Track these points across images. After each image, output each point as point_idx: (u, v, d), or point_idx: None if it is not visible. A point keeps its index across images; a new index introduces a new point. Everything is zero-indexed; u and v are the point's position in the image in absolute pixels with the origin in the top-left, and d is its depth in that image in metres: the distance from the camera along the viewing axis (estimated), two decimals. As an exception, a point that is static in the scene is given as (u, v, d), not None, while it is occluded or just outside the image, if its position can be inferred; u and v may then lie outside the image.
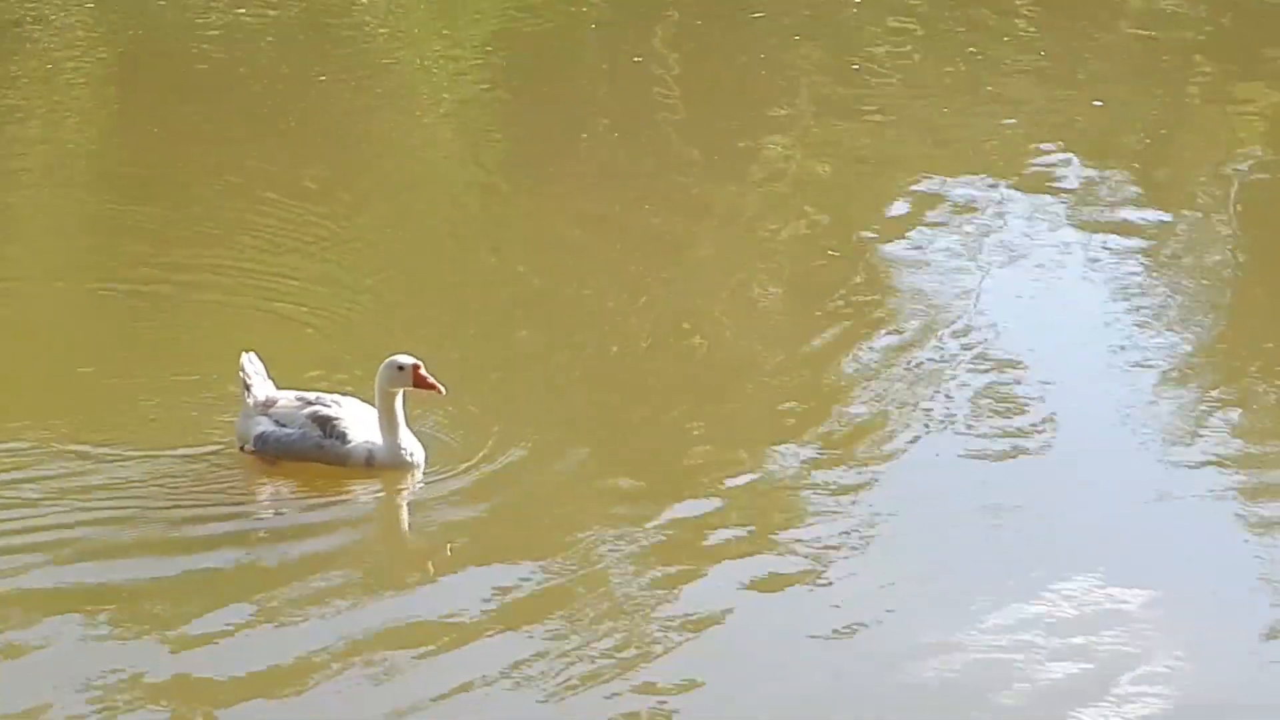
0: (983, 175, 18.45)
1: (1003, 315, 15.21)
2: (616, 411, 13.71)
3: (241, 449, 12.87)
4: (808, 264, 16.53)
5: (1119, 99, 20.83)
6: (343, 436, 12.71)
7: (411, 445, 12.67)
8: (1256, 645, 10.76)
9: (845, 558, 11.67)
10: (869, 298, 15.61)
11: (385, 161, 18.81)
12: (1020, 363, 14.30)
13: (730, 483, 12.55)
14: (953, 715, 10.19)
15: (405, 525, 12.56)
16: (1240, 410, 13.72)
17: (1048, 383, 13.96)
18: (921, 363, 14.31)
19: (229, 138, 19.08)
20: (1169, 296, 15.84)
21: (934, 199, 17.82)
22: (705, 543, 11.84)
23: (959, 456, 12.97)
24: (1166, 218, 17.67)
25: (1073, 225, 17.36)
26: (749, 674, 10.53)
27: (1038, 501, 12.35)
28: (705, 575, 11.49)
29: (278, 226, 16.57)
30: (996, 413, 13.53)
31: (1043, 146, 19.36)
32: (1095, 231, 17.16)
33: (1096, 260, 16.54)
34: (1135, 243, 16.93)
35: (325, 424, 12.74)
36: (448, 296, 15.53)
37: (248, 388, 12.90)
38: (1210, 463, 12.85)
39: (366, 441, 12.69)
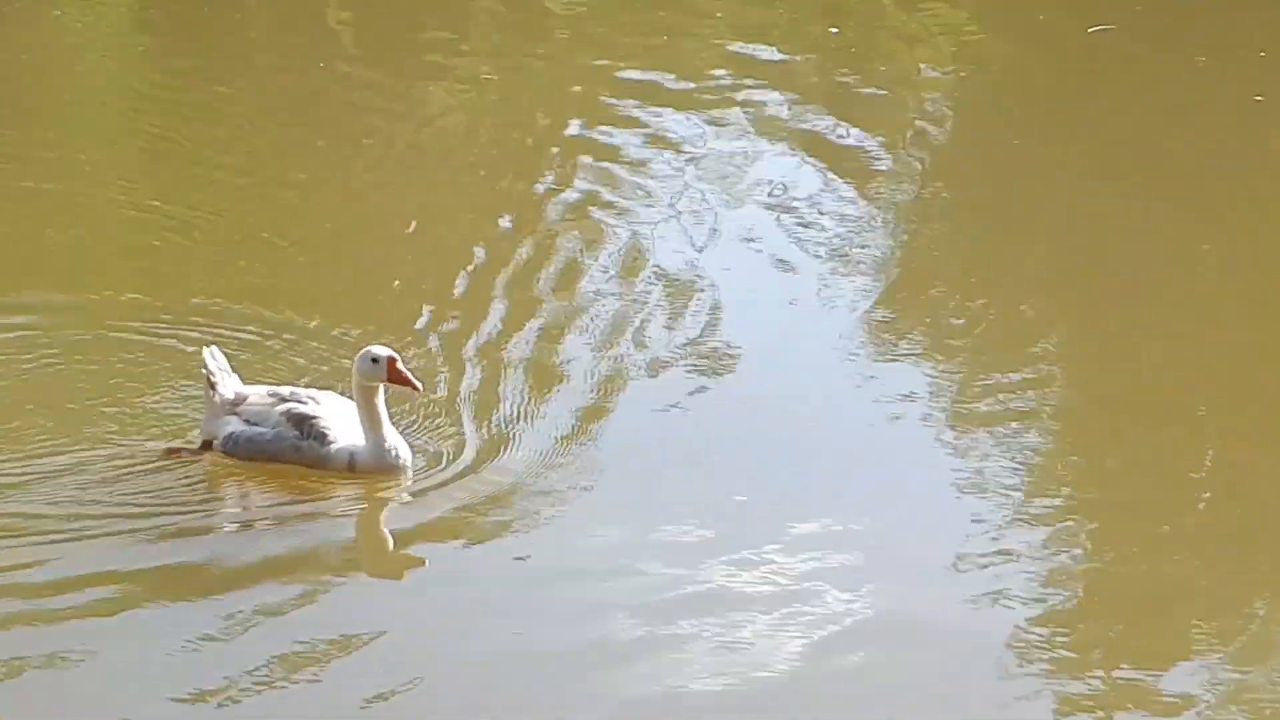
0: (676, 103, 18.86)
1: (693, 252, 15.21)
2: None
3: (205, 446, 11.77)
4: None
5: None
6: (322, 437, 11.62)
7: (397, 445, 11.58)
8: (950, 568, 10.91)
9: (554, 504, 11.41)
10: (559, 230, 15.62)
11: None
12: (714, 301, 14.16)
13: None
14: (664, 646, 10.04)
15: (387, 535, 11.44)
16: (932, 340, 13.82)
17: (742, 319, 13.92)
18: (612, 305, 14.11)
19: None
20: (862, 230, 15.90)
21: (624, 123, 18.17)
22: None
23: (657, 397, 12.69)
24: (858, 148, 17.86)
25: (760, 154, 17.67)
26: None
27: (740, 438, 12.21)
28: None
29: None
30: (694, 353, 13.33)
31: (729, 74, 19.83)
32: (788, 157, 17.61)
33: (788, 190, 16.72)
34: (826, 174, 17.14)
35: (302, 423, 11.64)
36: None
37: (212, 385, 11.78)
38: (907, 396, 12.90)
39: (349, 442, 11.61)
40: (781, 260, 15.26)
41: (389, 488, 11.54)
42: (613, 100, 19.10)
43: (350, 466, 11.57)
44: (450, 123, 18.70)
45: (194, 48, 20.89)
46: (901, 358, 13.56)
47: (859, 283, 14.78)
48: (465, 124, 18.71)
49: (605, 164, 17.23)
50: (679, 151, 17.68)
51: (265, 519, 11.41)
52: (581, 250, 15.21)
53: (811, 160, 17.61)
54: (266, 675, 9.72)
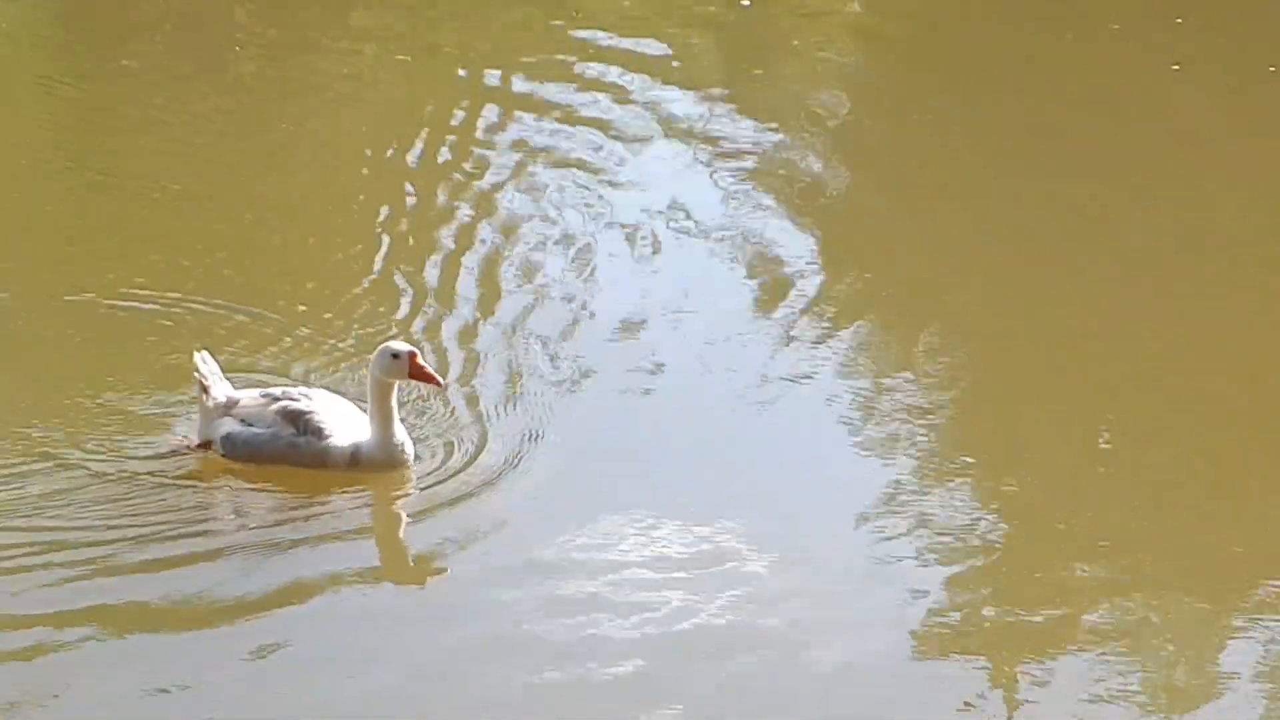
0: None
1: (587, 236, 15.29)
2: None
3: (203, 446, 11.84)
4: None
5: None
6: (319, 432, 11.66)
7: (404, 440, 11.64)
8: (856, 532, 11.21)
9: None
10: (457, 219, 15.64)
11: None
12: (608, 291, 14.29)
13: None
14: (576, 649, 10.05)
15: (399, 530, 11.49)
16: (838, 314, 13.97)
17: (637, 316, 13.87)
18: (501, 293, 14.20)
19: None
20: (762, 207, 16.01)
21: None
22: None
23: (551, 395, 12.66)
24: (759, 136, 17.87)
25: (659, 135, 17.71)
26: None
27: (636, 434, 12.28)
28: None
29: None
30: (580, 344, 13.39)
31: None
32: (686, 138, 17.62)
33: (687, 171, 16.90)
34: (730, 160, 17.12)
35: (297, 420, 11.70)
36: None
37: (205, 389, 11.84)
38: (805, 377, 13.06)
39: (349, 437, 11.68)
40: (678, 243, 15.39)
41: (392, 485, 11.62)
42: (513, 83, 19.18)
43: (354, 462, 11.63)
44: (347, 111, 18.64)
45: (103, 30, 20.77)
46: (804, 336, 13.66)
47: (759, 265, 14.89)
48: (364, 111, 18.71)
49: (504, 150, 17.28)
50: (578, 130, 17.77)
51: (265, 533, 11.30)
52: (475, 233, 15.34)
53: (712, 139, 17.70)
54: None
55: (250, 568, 10.71)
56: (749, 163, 17.08)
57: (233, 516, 11.35)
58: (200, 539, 11.00)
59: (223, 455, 11.74)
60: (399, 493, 11.53)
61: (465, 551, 10.98)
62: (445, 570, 10.90)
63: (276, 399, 11.78)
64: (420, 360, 11.48)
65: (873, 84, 20.17)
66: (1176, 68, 19.52)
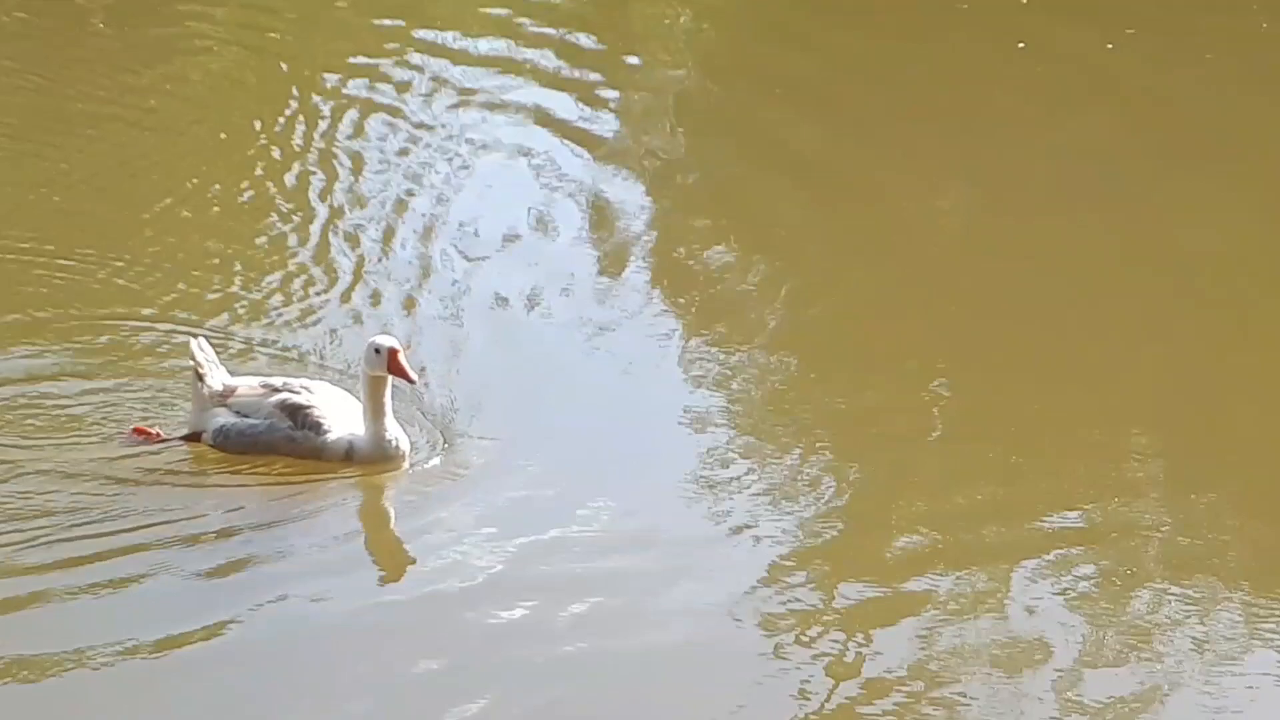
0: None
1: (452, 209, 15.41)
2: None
3: (193, 438, 11.43)
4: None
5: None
6: (317, 427, 11.31)
7: (397, 435, 11.29)
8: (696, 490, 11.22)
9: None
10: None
11: None
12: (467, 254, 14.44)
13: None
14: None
15: (391, 523, 11.17)
16: (685, 279, 14.15)
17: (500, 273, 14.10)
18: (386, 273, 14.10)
19: None
20: (612, 179, 16.23)
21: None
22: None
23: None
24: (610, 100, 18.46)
25: (511, 111, 17.95)
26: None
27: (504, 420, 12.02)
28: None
29: None
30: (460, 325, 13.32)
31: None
32: (536, 115, 17.86)
33: (541, 139, 17.12)
34: (578, 128, 17.50)
35: (296, 413, 11.33)
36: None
37: (200, 377, 11.44)
38: (666, 337, 13.22)
39: (346, 432, 11.29)
40: (539, 214, 15.39)
41: (387, 477, 11.30)
42: (374, 57, 19.29)
43: (348, 456, 11.26)
44: (207, 87, 18.65)
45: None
46: (657, 302, 13.79)
47: (612, 237, 14.93)
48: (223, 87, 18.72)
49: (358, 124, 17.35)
50: (437, 104, 17.95)
51: (253, 515, 10.98)
52: (343, 207, 15.30)
53: (564, 115, 17.88)
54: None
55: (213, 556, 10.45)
56: (601, 130, 17.42)
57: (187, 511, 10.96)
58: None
59: (212, 446, 11.28)
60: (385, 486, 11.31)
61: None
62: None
63: (276, 390, 11.44)
64: (400, 357, 11.13)
65: (720, 55, 20.71)
66: (1022, 46, 19.94)
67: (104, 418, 11.59)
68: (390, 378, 11.16)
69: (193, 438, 11.45)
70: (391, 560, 10.69)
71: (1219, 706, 9.34)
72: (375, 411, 11.20)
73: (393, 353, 11.12)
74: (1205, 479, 11.55)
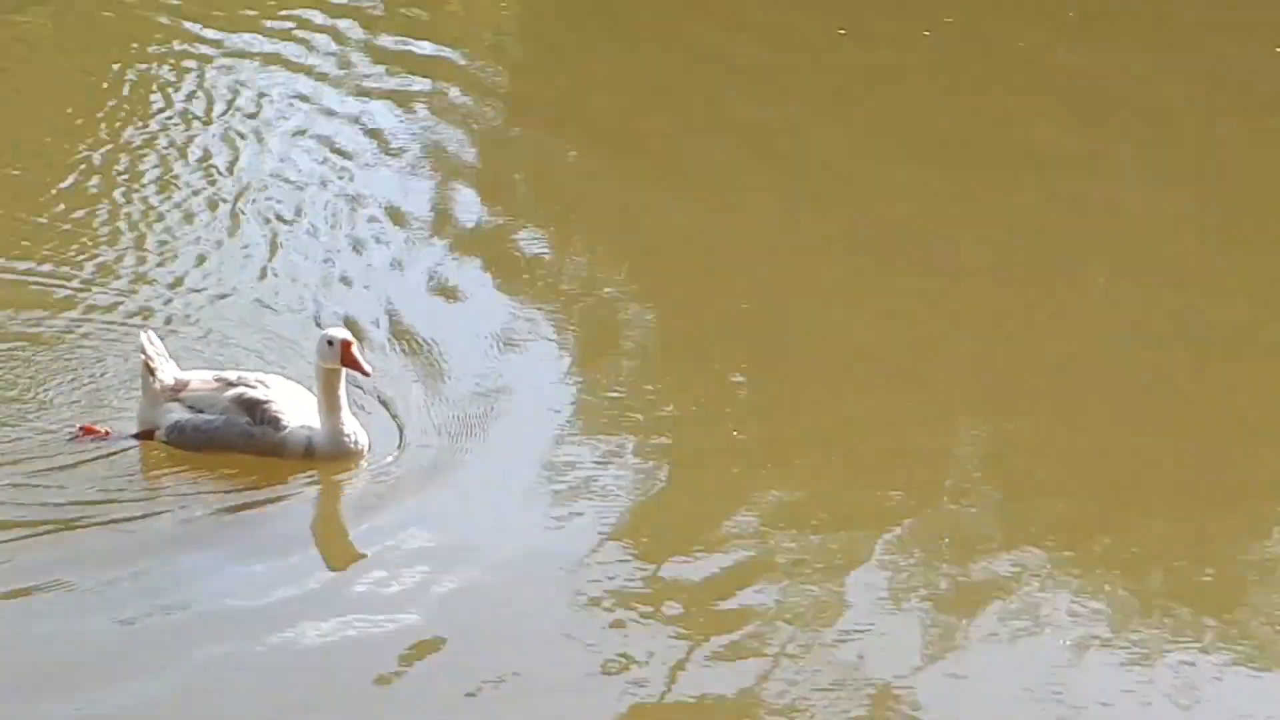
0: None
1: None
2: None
3: (145, 435, 11.14)
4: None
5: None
6: (275, 422, 11.05)
7: (355, 430, 11.05)
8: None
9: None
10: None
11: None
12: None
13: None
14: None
15: (345, 520, 10.89)
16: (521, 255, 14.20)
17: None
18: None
19: None
20: (441, 144, 16.52)
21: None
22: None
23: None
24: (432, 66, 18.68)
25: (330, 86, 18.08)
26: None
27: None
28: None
29: None
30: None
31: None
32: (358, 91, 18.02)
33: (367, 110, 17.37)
34: (402, 94, 17.83)
35: (253, 408, 11.07)
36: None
37: (151, 371, 11.14)
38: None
39: (304, 427, 11.05)
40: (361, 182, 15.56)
41: (345, 472, 11.06)
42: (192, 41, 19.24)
43: (308, 452, 11.01)
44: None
45: None
46: (490, 277, 13.82)
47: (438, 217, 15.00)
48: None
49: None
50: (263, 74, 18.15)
51: (211, 511, 10.72)
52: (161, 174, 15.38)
53: (389, 81, 18.16)
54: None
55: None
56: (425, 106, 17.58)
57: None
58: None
59: (166, 443, 11.02)
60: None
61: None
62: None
63: (231, 384, 11.18)
64: (354, 349, 10.91)
65: (546, 24, 20.99)
66: (843, 32, 20.15)
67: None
68: (342, 372, 10.92)
69: (145, 435, 11.16)
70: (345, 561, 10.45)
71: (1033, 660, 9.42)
72: (330, 405, 10.96)
73: (345, 345, 10.89)
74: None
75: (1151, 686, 9.34)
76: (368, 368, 11.05)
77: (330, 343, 10.90)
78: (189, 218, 14.64)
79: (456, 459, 11.18)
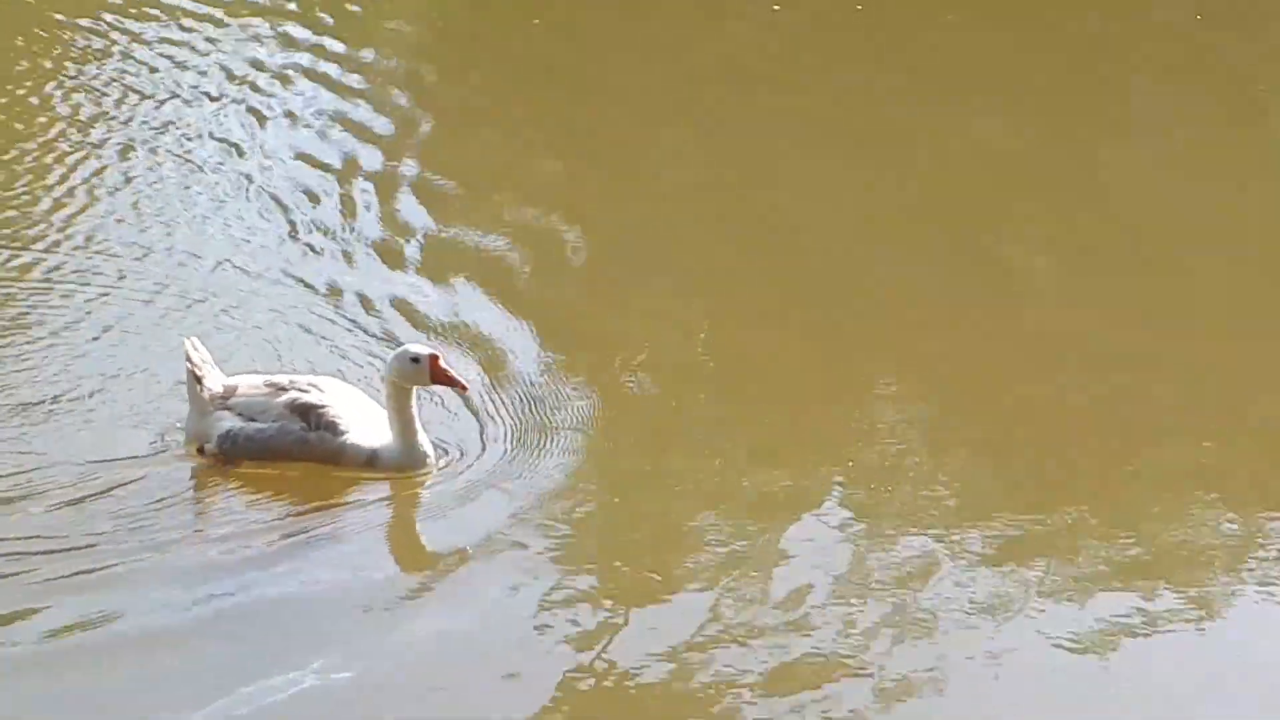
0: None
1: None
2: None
3: (199, 451, 10.52)
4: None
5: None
6: (333, 427, 10.47)
7: (428, 447, 10.50)
8: None
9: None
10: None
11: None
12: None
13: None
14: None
15: (418, 531, 10.37)
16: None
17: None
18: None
19: None
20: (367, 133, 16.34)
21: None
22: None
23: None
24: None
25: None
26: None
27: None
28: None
29: None
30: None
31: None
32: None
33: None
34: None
35: (308, 413, 10.48)
36: None
37: (198, 380, 10.54)
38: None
39: (366, 436, 10.47)
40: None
41: (413, 484, 10.52)
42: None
43: (370, 463, 10.45)
44: None
45: None
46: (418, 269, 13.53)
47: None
48: None
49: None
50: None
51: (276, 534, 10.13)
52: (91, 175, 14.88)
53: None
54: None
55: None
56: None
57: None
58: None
59: (221, 454, 10.41)
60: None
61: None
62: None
63: (283, 389, 10.60)
64: (443, 363, 10.31)
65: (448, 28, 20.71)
66: (777, 8, 20.30)
67: None
68: (414, 388, 10.35)
69: (199, 452, 10.55)
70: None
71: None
72: (404, 423, 10.37)
73: (433, 359, 10.27)
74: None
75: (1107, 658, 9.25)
76: (464, 381, 10.47)
77: (415, 359, 10.26)
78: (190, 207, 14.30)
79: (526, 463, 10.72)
